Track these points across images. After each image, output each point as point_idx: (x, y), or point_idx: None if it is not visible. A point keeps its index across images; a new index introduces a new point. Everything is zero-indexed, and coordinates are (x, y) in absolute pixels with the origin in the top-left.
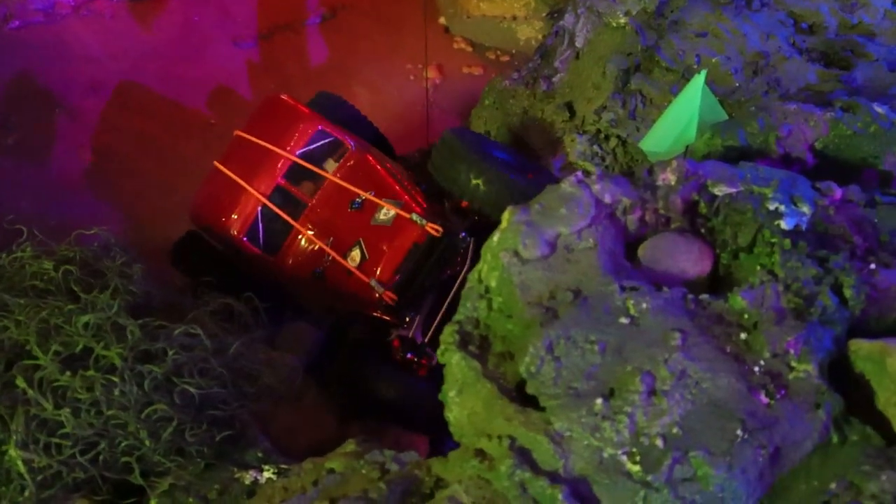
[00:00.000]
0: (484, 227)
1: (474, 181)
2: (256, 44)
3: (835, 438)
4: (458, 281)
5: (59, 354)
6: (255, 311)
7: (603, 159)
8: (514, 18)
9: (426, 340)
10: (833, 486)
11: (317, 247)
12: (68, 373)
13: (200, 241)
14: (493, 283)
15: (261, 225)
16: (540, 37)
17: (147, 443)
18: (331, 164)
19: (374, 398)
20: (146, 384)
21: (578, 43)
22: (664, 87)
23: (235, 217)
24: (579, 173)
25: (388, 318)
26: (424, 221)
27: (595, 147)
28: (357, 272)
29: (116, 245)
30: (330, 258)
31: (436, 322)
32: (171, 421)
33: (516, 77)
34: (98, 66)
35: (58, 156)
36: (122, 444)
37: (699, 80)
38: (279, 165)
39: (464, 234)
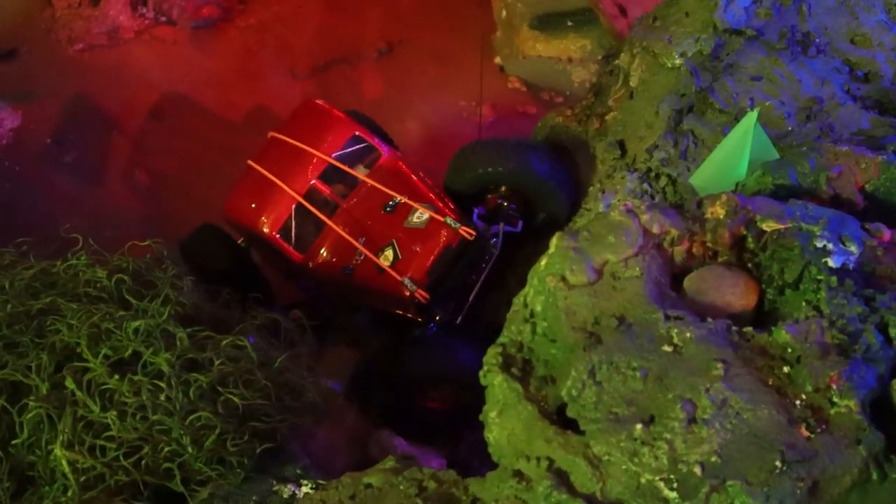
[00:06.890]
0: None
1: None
2: (313, 75)
3: (874, 475)
4: (477, 286)
5: (109, 358)
6: (302, 329)
7: (652, 197)
8: (570, 60)
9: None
10: None
11: (348, 245)
12: (116, 376)
13: (215, 234)
14: (538, 308)
15: (293, 223)
16: (594, 79)
17: (190, 449)
18: (362, 170)
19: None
20: (192, 392)
21: (632, 82)
22: (716, 128)
23: (269, 214)
24: (629, 203)
25: (413, 316)
26: (458, 225)
27: (645, 185)
28: (390, 270)
29: (168, 258)
30: (362, 257)
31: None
32: (215, 429)
33: (569, 114)
34: (157, 90)
35: (113, 175)
36: (165, 450)
37: (751, 118)
38: (314, 166)
39: (494, 239)
